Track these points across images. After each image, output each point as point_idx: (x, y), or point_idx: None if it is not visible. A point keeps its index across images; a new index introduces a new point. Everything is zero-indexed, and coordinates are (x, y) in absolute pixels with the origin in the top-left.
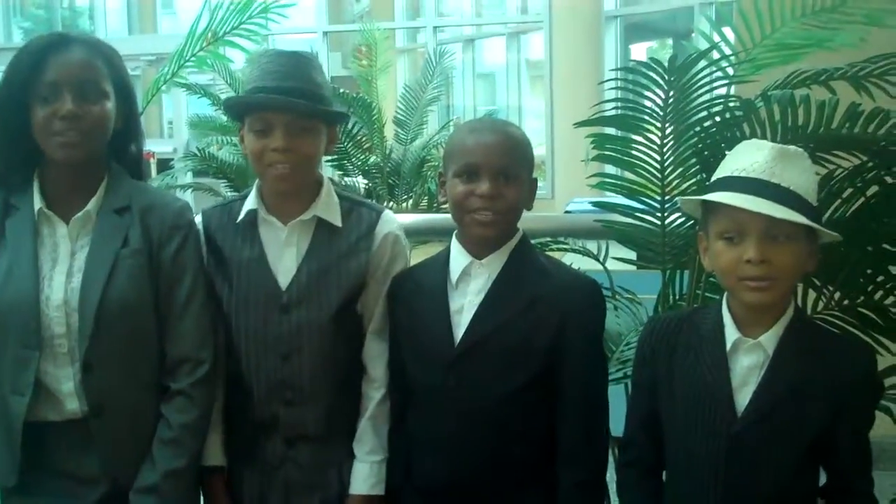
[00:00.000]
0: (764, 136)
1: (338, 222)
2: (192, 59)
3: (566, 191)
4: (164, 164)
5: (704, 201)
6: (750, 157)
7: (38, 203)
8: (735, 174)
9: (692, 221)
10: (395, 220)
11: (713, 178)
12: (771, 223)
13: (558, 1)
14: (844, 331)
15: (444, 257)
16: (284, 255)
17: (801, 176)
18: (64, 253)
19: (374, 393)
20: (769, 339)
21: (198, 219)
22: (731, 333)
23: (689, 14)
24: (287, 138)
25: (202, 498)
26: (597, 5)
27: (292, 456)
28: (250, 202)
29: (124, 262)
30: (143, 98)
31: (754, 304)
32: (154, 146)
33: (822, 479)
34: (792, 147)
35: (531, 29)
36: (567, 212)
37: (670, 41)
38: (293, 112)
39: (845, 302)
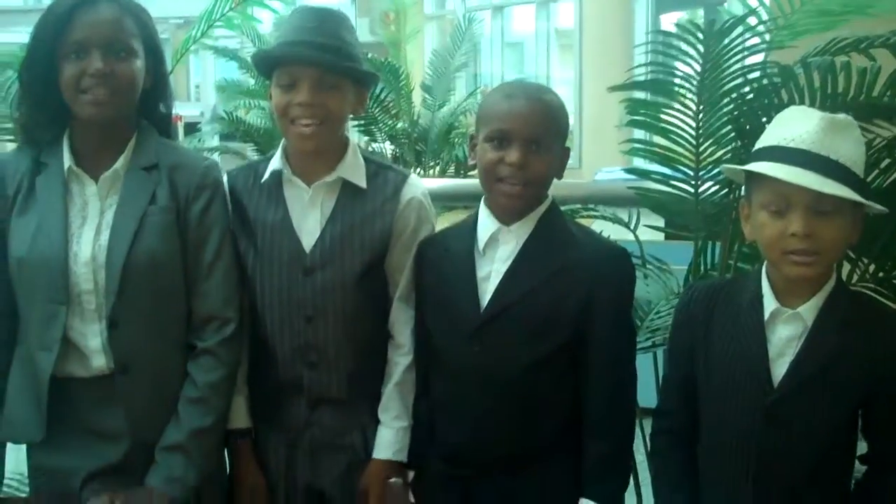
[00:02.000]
0: (802, 104)
1: (363, 184)
2: (221, 19)
3: (594, 161)
4: (192, 128)
5: (749, 171)
6: (798, 125)
7: (67, 161)
8: (782, 143)
9: (726, 190)
10: (420, 184)
11: (758, 146)
12: (818, 197)
13: None
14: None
15: (472, 222)
16: (308, 217)
17: (851, 147)
18: (93, 211)
19: (402, 359)
20: (808, 309)
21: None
22: (770, 303)
23: None
24: (313, 93)
25: (228, 460)
26: None
27: (316, 419)
28: (275, 163)
29: (152, 220)
30: (171, 60)
31: (797, 278)
32: (181, 109)
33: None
34: (841, 116)
35: None
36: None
37: (701, 11)
38: (319, 66)
39: (880, 274)
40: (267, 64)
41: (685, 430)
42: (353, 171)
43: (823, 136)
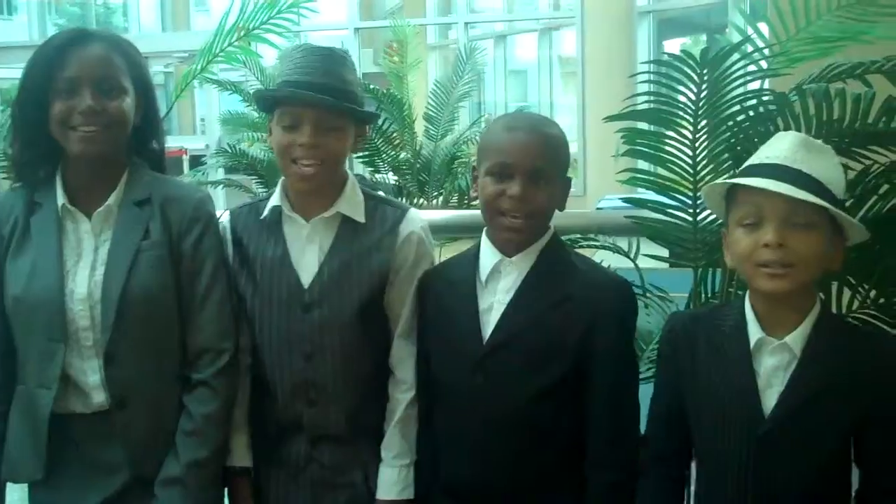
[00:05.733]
0: (798, 131)
1: (361, 219)
2: (222, 54)
3: (598, 187)
4: (197, 161)
5: (728, 194)
6: (774, 145)
7: (61, 199)
8: (758, 162)
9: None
10: (420, 218)
11: (737, 172)
12: (791, 209)
13: None
14: (880, 330)
15: (474, 254)
16: (307, 253)
17: (825, 166)
18: (88, 248)
19: (403, 396)
20: (795, 339)
21: (225, 217)
22: (755, 332)
23: (722, 9)
24: (315, 135)
25: (227, 498)
26: (629, 0)
27: (317, 456)
28: (274, 199)
29: (145, 254)
30: (173, 94)
31: (770, 292)
32: (186, 143)
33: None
34: (818, 140)
35: (563, 25)
36: (599, 209)
37: (704, 37)
38: (323, 108)
39: (881, 300)
40: (269, 102)
41: (670, 459)
42: (352, 205)
43: (796, 152)
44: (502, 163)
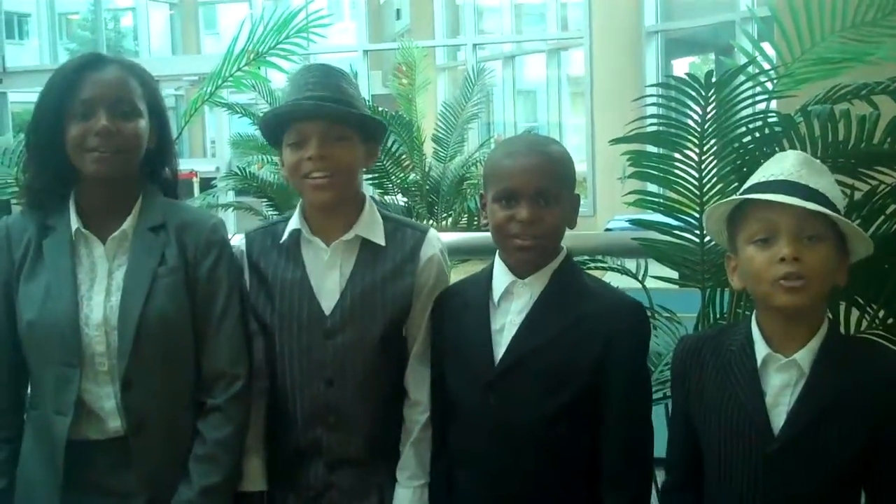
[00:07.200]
0: (804, 152)
1: (381, 241)
2: (230, 79)
3: (607, 208)
4: (207, 184)
5: (732, 214)
6: (776, 165)
7: (74, 223)
8: (764, 180)
9: None
10: (439, 240)
11: (740, 192)
12: (802, 221)
13: (599, 17)
14: (889, 346)
15: (488, 275)
16: (327, 278)
17: (827, 183)
18: (102, 273)
19: (419, 417)
20: (804, 356)
21: (241, 241)
22: (762, 349)
23: (730, 28)
24: (322, 146)
25: None
26: (637, 21)
27: (335, 480)
28: (293, 222)
29: (162, 280)
30: (183, 117)
31: (788, 307)
32: (197, 165)
33: None
34: (816, 159)
35: (571, 45)
36: (608, 229)
37: (712, 56)
38: (324, 116)
39: (889, 320)
40: (275, 126)
41: (693, 484)
42: (371, 228)
43: (801, 169)
44: (507, 188)
